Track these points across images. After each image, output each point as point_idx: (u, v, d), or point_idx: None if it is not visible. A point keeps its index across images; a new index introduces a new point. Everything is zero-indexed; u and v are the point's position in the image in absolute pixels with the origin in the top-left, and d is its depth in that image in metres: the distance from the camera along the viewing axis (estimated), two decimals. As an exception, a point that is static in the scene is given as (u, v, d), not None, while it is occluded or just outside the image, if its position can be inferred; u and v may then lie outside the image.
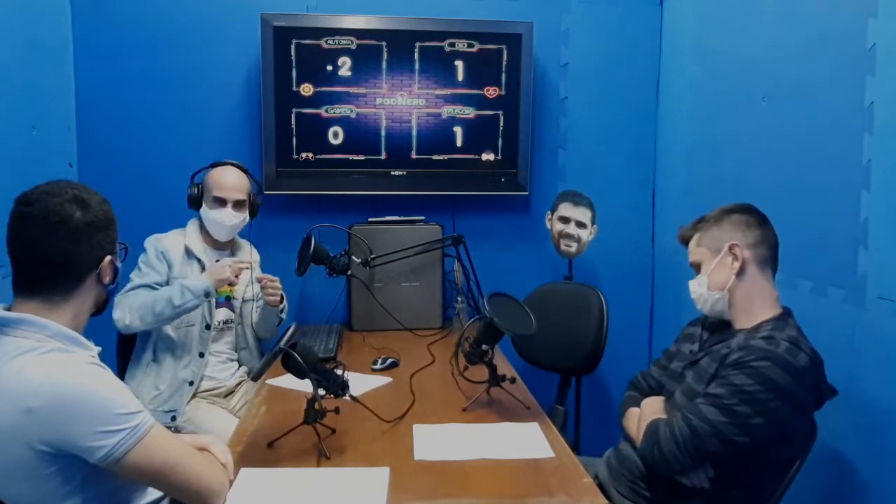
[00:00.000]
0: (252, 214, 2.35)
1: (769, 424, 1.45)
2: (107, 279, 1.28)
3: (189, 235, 2.30)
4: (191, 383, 2.23)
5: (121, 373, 2.26)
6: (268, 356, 1.59)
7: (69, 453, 1.13)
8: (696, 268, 1.68)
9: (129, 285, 2.17)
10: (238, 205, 2.28)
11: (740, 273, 1.59)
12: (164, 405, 2.19)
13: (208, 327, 2.26)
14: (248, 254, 2.42)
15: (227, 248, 2.37)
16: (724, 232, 1.62)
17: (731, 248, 1.60)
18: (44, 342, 1.17)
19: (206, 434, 1.58)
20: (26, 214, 1.20)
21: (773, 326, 1.54)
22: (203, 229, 2.33)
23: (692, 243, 1.69)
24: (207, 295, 2.15)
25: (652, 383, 1.81)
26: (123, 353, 2.30)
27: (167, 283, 2.21)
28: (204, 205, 2.28)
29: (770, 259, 1.61)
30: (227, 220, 2.26)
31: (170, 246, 2.24)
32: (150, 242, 2.24)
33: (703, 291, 1.64)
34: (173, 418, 2.18)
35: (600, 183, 2.99)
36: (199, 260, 2.27)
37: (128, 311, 2.11)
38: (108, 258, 1.27)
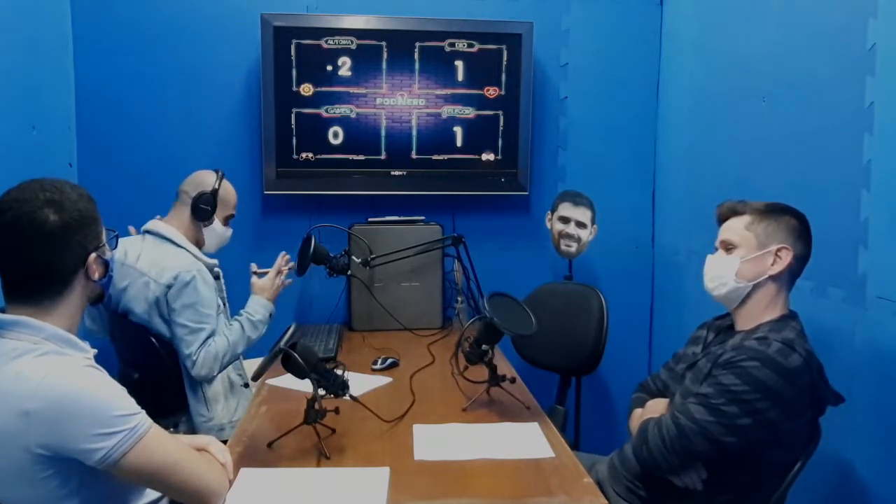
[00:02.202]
0: None
1: (758, 426, 1.44)
2: (96, 275, 1.25)
3: (198, 254, 2.15)
4: (246, 385, 2.23)
5: (180, 396, 2.12)
6: (268, 356, 1.59)
7: (67, 456, 1.13)
8: (727, 247, 1.60)
9: (196, 338, 2.02)
10: None
11: (774, 277, 1.56)
12: (236, 413, 2.14)
13: None
14: None
15: None
16: (780, 230, 1.55)
17: (779, 250, 1.54)
18: (40, 344, 1.17)
19: None
20: (1, 225, 1.17)
21: (770, 328, 1.52)
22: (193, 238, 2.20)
23: (739, 223, 1.58)
24: (271, 315, 2.21)
25: (660, 385, 1.81)
26: (174, 374, 2.10)
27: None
28: (217, 220, 2.19)
29: (799, 274, 1.60)
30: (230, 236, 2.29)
31: (206, 274, 2.09)
32: (197, 279, 2.03)
33: (730, 275, 1.57)
34: None
35: (600, 183, 2.99)
36: (211, 272, 2.19)
37: (214, 365, 2.04)
38: (92, 255, 1.24)
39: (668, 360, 1.85)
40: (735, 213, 1.61)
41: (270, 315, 2.21)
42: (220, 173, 2.22)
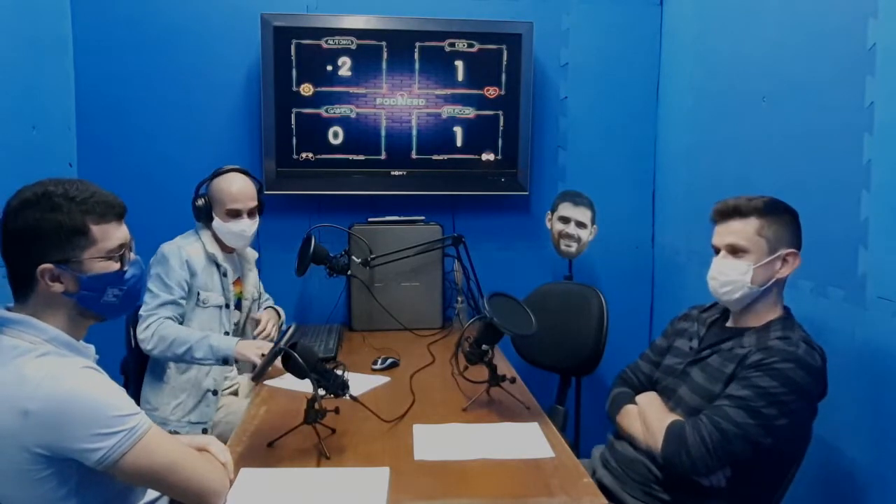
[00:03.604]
0: (259, 213, 2.33)
1: (791, 425, 1.47)
2: (57, 287, 1.19)
3: (207, 243, 2.24)
4: (214, 392, 2.21)
5: (138, 380, 2.22)
6: (268, 356, 1.59)
7: (66, 457, 1.13)
8: (736, 251, 1.58)
9: (154, 301, 2.09)
10: (252, 212, 2.27)
11: (780, 279, 1.57)
12: (189, 415, 2.15)
13: (227, 334, 2.24)
14: (255, 254, 2.45)
15: (233, 251, 2.34)
16: (786, 233, 1.56)
17: (787, 255, 1.56)
18: (38, 345, 1.17)
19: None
20: None
21: (783, 326, 1.56)
22: (215, 235, 2.28)
23: (749, 228, 1.56)
24: (226, 361, 2.08)
25: (642, 378, 1.81)
26: (137, 360, 2.24)
27: (188, 294, 2.16)
28: (216, 217, 2.23)
29: None
30: (247, 231, 2.26)
31: (192, 254, 2.18)
32: (173, 252, 2.15)
33: (745, 281, 1.56)
34: (205, 430, 2.15)
35: (600, 183, 2.99)
36: (218, 266, 2.24)
37: (154, 337, 2.05)
38: (44, 266, 1.17)
39: (644, 352, 1.86)
40: (739, 213, 1.58)
41: (225, 360, 2.07)
42: (214, 173, 2.27)
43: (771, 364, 1.46)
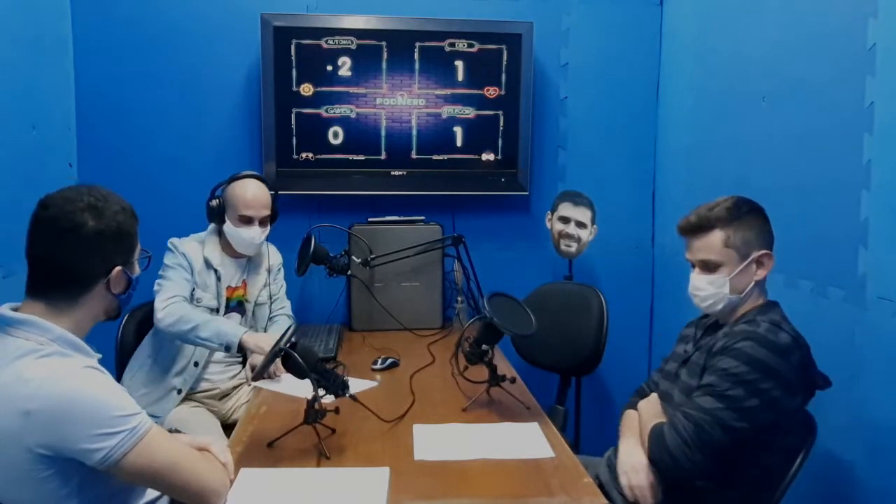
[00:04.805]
0: (272, 221, 2.34)
1: (764, 406, 1.45)
2: (117, 289, 1.27)
3: (207, 245, 2.28)
4: (179, 391, 2.21)
5: (119, 368, 2.27)
6: (267, 356, 1.59)
7: (67, 456, 1.13)
8: (709, 266, 1.58)
9: (168, 278, 2.19)
10: (263, 221, 2.28)
11: (759, 280, 1.58)
12: (148, 407, 2.13)
13: None
14: (267, 258, 2.41)
15: (243, 256, 2.34)
16: (754, 236, 1.56)
17: (760, 257, 1.56)
18: (45, 345, 1.17)
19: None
20: (41, 218, 1.21)
21: (756, 312, 1.56)
22: (222, 237, 2.31)
23: (715, 241, 1.56)
24: (228, 349, 2.12)
25: (654, 389, 1.80)
26: (123, 352, 2.30)
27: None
28: (228, 221, 2.25)
29: None
30: (256, 238, 2.26)
31: (189, 252, 2.24)
32: (174, 244, 2.24)
33: (723, 293, 1.57)
34: None
35: (600, 183, 2.99)
36: (216, 270, 2.26)
37: (169, 312, 2.12)
38: (117, 269, 1.25)
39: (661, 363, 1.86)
40: (702, 229, 1.59)
41: (227, 347, 2.11)
42: (232, 177, 2.29)
43: (731, 346, 1.47)
